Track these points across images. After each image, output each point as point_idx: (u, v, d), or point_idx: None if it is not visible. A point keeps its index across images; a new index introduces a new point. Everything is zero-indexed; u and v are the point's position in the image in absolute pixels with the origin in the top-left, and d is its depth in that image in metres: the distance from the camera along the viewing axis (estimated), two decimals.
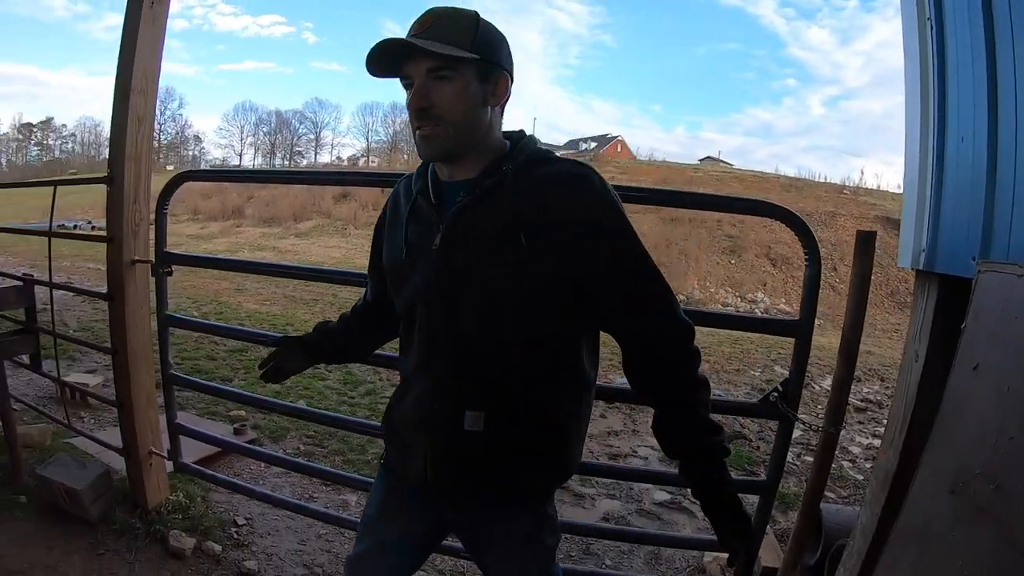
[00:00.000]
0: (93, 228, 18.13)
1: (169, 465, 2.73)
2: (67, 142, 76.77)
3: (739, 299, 15.84)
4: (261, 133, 76.35)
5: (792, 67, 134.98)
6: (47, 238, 2.84)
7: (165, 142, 71.81)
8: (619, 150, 54.74)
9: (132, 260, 2.49)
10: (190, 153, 75.46)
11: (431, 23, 1.06)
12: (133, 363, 2.57)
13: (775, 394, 1.76)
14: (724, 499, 1.14)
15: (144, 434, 2.64)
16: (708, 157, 55.50)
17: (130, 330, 2.53)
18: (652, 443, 4.28)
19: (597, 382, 1.30)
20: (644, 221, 19.24)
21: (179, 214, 24.23)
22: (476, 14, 1.10)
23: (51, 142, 77.44)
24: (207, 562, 2.46)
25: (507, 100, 1.15)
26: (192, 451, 2.89)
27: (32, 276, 3.18)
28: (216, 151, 77.18)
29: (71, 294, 5.92)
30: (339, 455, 3.66)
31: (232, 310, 8.38)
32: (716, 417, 1.18)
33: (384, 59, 1.08)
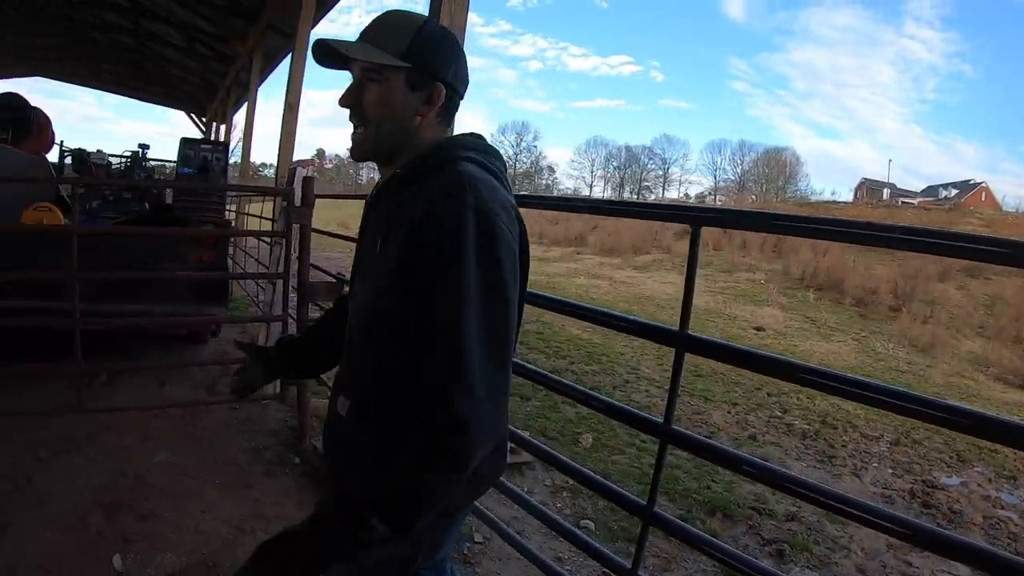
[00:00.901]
0: None
1: None
2: None
3: None
4: (611, 167, 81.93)
5: None
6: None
7: (520, 171, 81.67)
8: (983, 199, 47.32)
9: None
10: (543, 182, 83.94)
11: (377, 27, 1.09)
12: None
13: None
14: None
15: None
16: None
17: None
18: (963, 571, 3.35)
19: None
20: (1008, 285, 15.80)
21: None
22: (422, 20, 1.09)
23: None
24: None
25: (446, 109, 1.13)
26: None
27: (342, 275, 3.64)
28: (568, 181, 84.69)
29: None
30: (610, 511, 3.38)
31: (553, 333, 8.51)
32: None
33: (329, 55, 1.10)
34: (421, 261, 0.98)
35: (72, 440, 3.23)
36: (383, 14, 1.12)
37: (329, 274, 3.82)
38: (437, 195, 1.01)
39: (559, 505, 3.42)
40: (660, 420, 1.75)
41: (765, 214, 1.76)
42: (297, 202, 3.53)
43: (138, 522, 2.56)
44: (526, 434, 4.19)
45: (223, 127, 14.38)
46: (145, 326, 4.05)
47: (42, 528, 2.50)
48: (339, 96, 1.11)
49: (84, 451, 3.11)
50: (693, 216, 1.72)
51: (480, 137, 1.16)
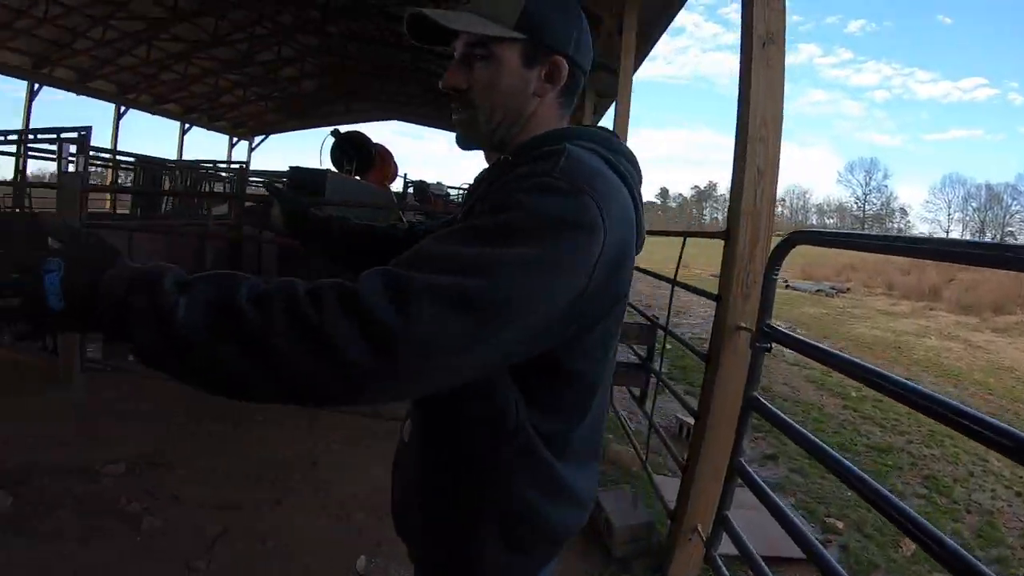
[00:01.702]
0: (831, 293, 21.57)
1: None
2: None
3: None
4: (969, 209, 70.68)
5: None
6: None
7: (870, 212, 75.36)
8: None
9: (736, 326, 2.31)
10: (895, 226, 75.01)
11: None
12: (710, 433, 2.40)
13: None
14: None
15: (696, 507, 2.46)
16: None
17: (716, 399, 2.37)
18: None
19: None
20: None
21: (874, 286, 24.35)
22: None
23: None
24: None
25: (568, 89, 0.95)
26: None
27: (657, 320, 3.43)
28: (922, 225, 74.62)
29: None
30: None
31: (892, 403, 7.43)
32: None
33: (422, 29, 0.92)
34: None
35: (368, 437, 3.63)
36: None
37: (643, 315, 3.63)
38: (525, 168, 0.82)
39: None
40: None
41: None
42: None
43: None
44: (836, 525, 3.53)
45: None
46: None
47: (308, 511, 2.81)
48: (443, 80, 0.94)
49: (375, 450, 3.44)
50: None
51: (611, 132, 0.96)
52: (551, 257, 0.72)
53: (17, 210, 4.90)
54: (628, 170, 0.90)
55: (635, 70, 5.42)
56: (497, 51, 0.90)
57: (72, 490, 2.86)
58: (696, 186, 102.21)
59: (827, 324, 14.68)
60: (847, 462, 1.74)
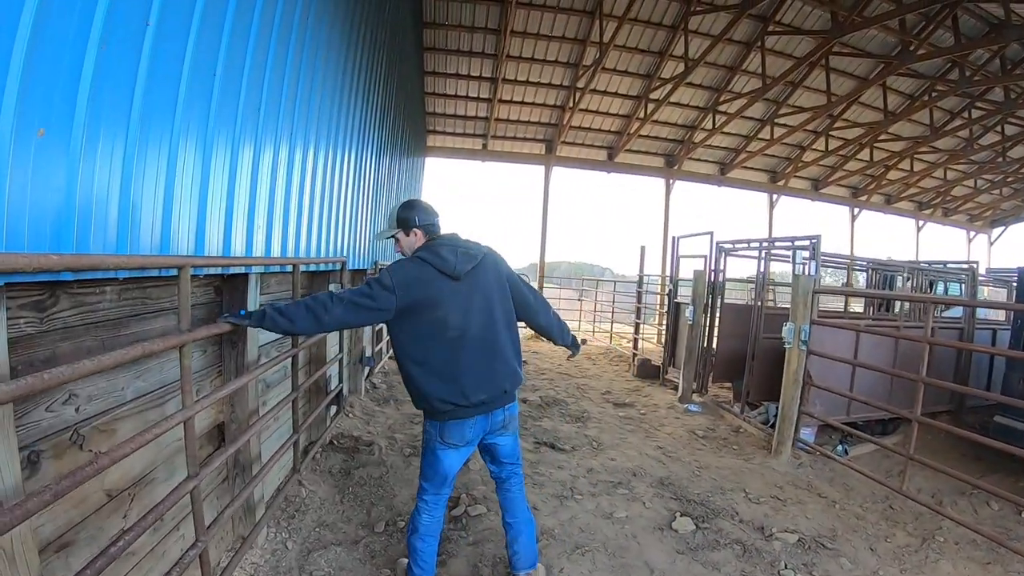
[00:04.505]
0: None
1: None
2: None
3: None
4: None
5: None
6: None
7: None
8: None
9: None
10: None
11: (389, 216, 2.78)
12: None
13: None
14: None
15: None
16: None
17: None
18: None
19: None
20: None
21: None
22: (398, 205, 2.66)
23: None
24: None
25: (424, 231, 2.60)
26: None
27: None
28: None
29: None
30: None
31: None
32: None
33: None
34: None
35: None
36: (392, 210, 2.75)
37: None
38: None
39: None
40: None
41: None
42: None
43: None
44: None
45: None
46: None
47: None
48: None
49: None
50: None
51: (433, 244, 2.53)
52: (362, 290, 2.39)
53: (758, 304, 6.12)
54: (425, 256, 2.45)
55: None
56: (397, 236, 2.64)
57: (742, 540, 3.42)
58: None
59: None
60: None
